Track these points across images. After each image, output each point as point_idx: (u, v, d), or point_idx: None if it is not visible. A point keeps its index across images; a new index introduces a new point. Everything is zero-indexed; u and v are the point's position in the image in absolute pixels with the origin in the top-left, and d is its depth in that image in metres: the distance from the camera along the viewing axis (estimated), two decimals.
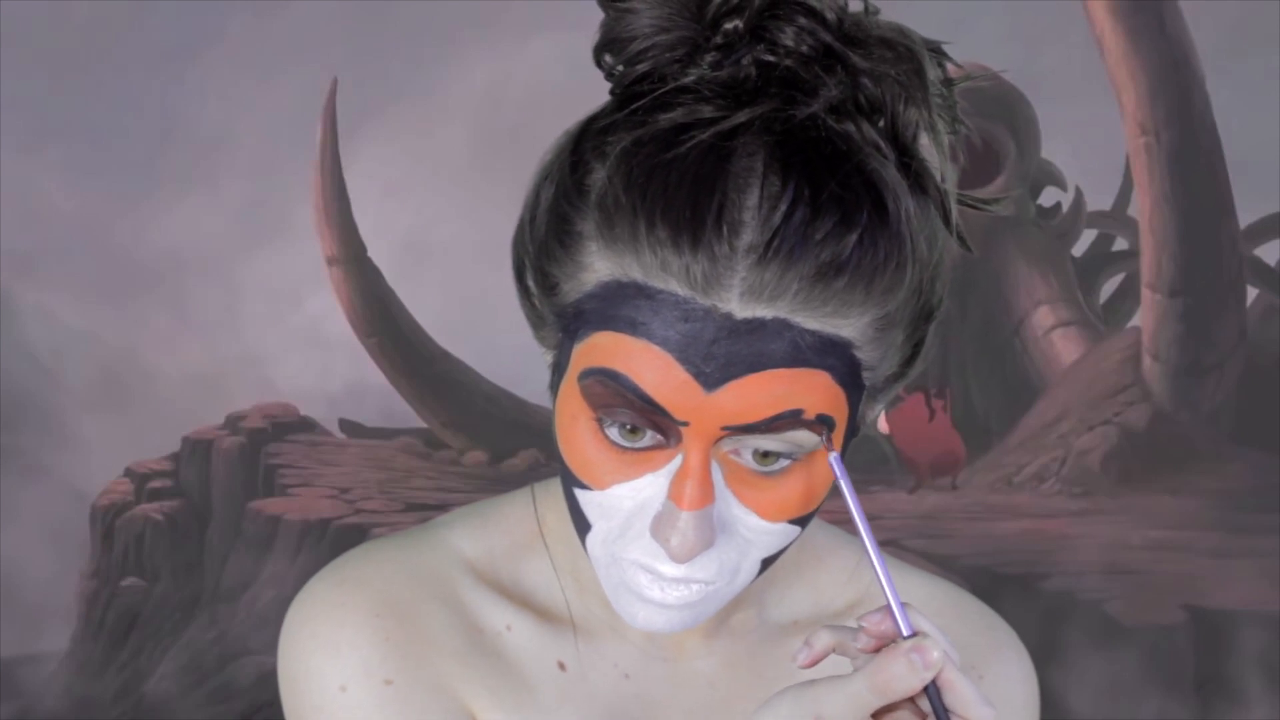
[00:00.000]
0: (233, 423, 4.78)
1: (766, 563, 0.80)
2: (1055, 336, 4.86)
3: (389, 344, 4.70)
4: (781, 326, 0.73)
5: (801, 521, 0.79)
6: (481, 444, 4.75)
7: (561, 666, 0.88)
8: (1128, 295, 4.95)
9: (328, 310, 4.69)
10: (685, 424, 0.75)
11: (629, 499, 0.78)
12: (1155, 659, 3.83)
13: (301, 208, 4.64)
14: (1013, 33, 4.23)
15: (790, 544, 0.80)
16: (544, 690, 0.88)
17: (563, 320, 0.79)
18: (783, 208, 0.73)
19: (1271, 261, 4.69)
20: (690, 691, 0.89)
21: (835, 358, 0.75)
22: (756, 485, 0.77)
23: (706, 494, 0.76)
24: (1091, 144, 4.69)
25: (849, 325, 0.75)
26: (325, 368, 4.79)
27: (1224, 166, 4.37)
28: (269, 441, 4.76)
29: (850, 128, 0.75)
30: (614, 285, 0.75)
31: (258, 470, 4.70)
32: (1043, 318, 4.89)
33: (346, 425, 4.94)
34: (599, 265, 0.76)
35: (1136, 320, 4.64)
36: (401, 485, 4.59)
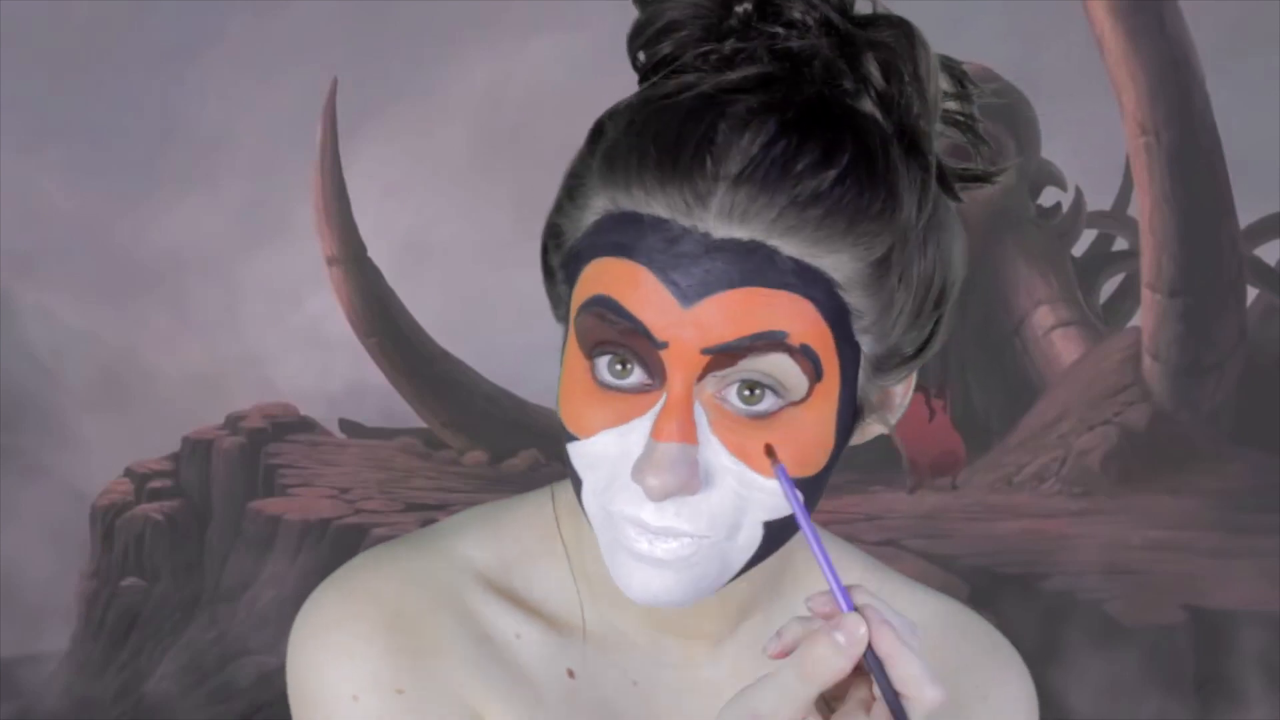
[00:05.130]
0: (233, 423, 4.78)
1: (771, 530, 0.79)
2: (1055, 336, 4.86)
3: (389, 344, 4.70)
4: (756, 247, 0.76)
5: (802, 485, 0.78)
6: (481, 444, 4.75)
7: (570, 674, 0.89)
8: (1128, 295, 4.96)
9: (328, 310, 4.70)
10: (665, 345, 0.76)
11: (614, 446, 0.78)
12: (1155, 659, 3.83)
13: (301, 208, 4.64)
14: (1012, 32, 4.24)
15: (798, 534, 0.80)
16: (552, 698, 0.88)
17: (566, 270, 0.81)
18: (763, 139, 0.76)
19: (1271, 261, 4.70)
20: (697, 700, 0.89)
21: (818, 290, 0.76)
22: (745, 433, 0.77)
23: (686, 431, 0.76)
24: (1091, 144, 4.70)
25: (830, 259, 0.76)
26: (325, 368, 4.80)
27: (1224, 166, 4.37)
28: (269, 441, 4.76)
29: (848, 91, 0.79)
30: (606, 218, 0.79)
31: (258, 470, 4.70)
32: (1043, 318, 4.89)
33: (346, 425, 4.94)
34: (596, 203, 0.79)
35: (1136, 320, 4.65)
36: (401, 485, 4.60)
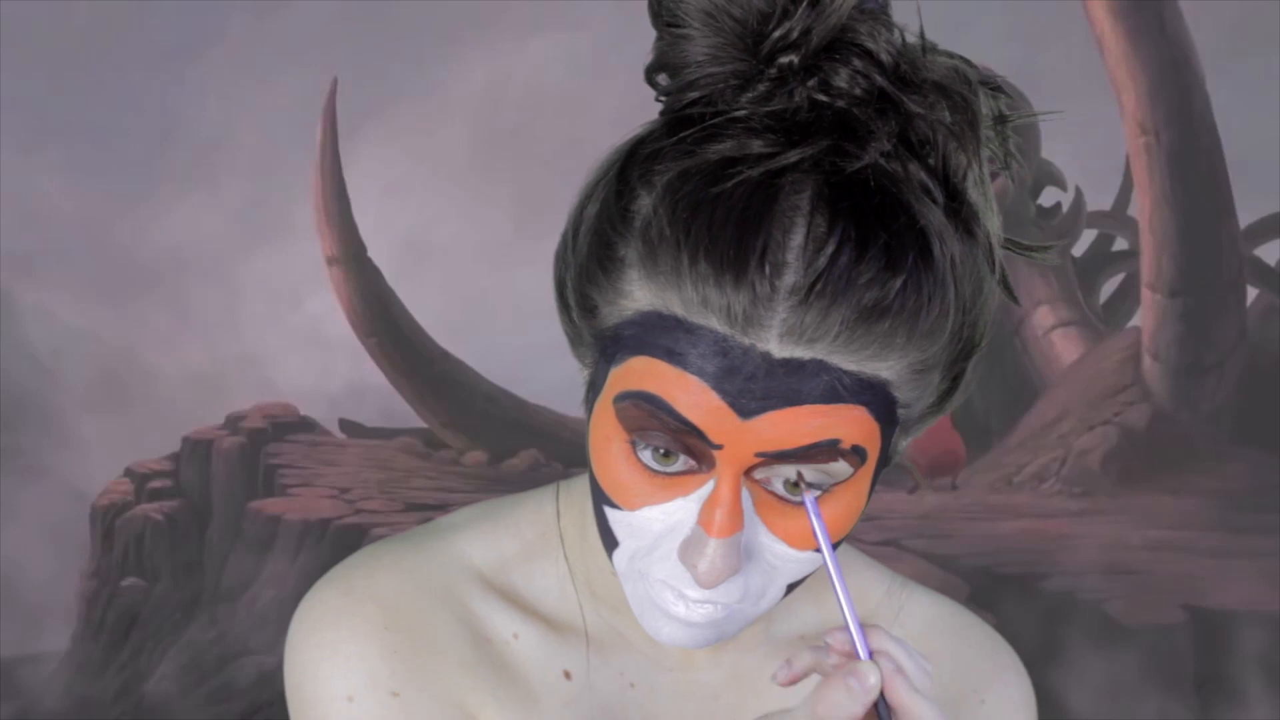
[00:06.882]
0: (233, 423, 4.78)
1: (791, 587, 0.81)
2: (1055, 336, 4.86)
3: (389, 344, 4.70)
4: (819, 368, 0.73)
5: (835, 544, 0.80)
6: (481, 444, 4.75)
7: (567, 675, 0.89)
8: (1128, 295, 4.95)
9: (328, 310, 4.69)
10: (720, 447, 0.75)
11: (659, 521, 0.78)
12: (1155, 659, 3.83)
13: (301, 208, 4.64)
14: (1012, 32, 4.23)
15: (815, 570, 0.81)
16: (548, 700, 0.88)
17: (600, 343, 0.79)
18: (828, 250, 0.72)
19: (1271, 261, 4.70)
20: (695, 703, 0.90)
21: (871, 395, 0.75)
22: (785, 513, 0.77)
23: (736, 522, 0.76)
24: (1091, 144, 4.69)
25: (888, 367, 0.75)
26: (325, 368, 4.79)
27: (1224, 166, 4.37)
28: (269, 441, 4.76)
29: (900, 168, 0.75)
30: (654, 316, 0.75)
31: (258, 470, 4.70)
32: (1043, 318, 4.89)
33: (346, 425, 4.94)
34: (639, 295, 0.76)
35: (1136, 320, 4.65)
36: (401, 485, 4.59)
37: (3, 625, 4.36)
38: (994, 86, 0.78)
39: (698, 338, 0.74)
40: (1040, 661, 3.75)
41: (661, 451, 0.76)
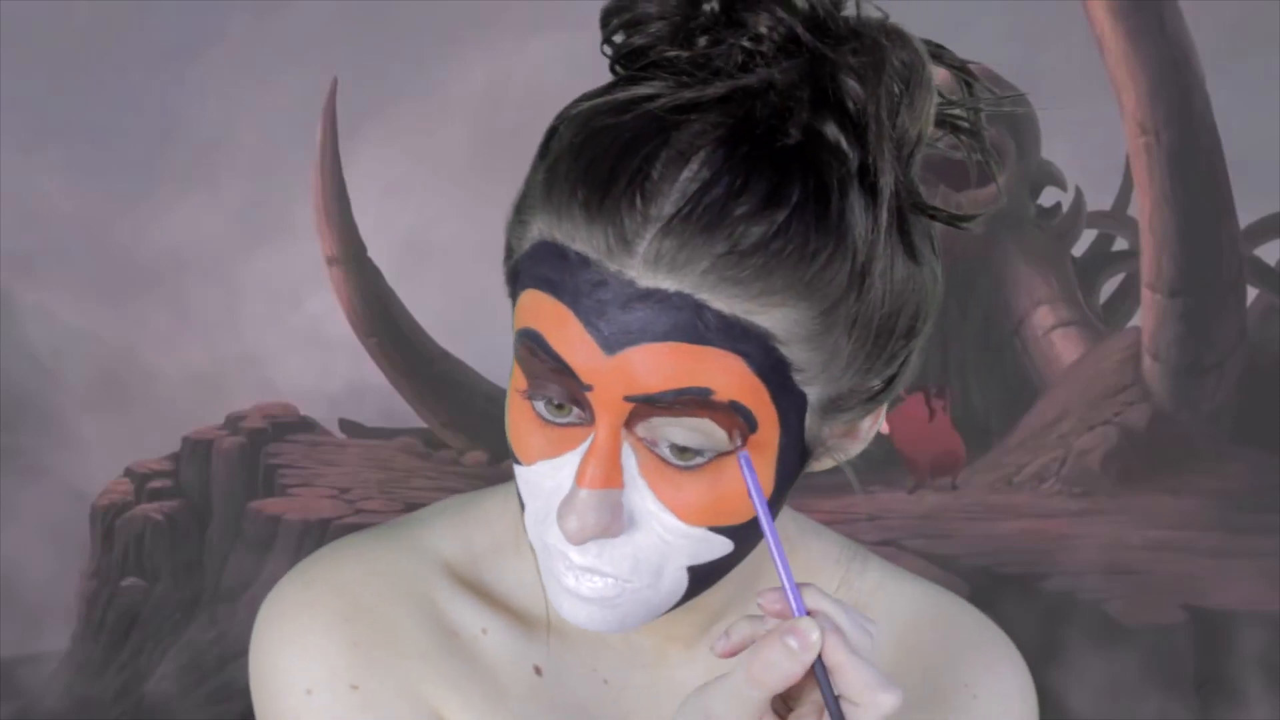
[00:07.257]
0: (233, 423, 4.78)
1: (697, 574, 0.77)
2: (1055, 336, 4.86)
3: (389, 344, 4.69)
4: (684, 301, 0.71)
5: (729, 533, 0.76)
6: (481, 444, 4.75)
7: (538, 671, 0.87)
8: (1128, 295, 4.95)
9: (328, 310, 4.69)
10: (590, 388, 0.73)
11: (549, 478, 0.76)
12: (1155, 659, 3.83)
13: (301, 208, 4.64)
14: (1012, 32, 4.23)
15: (725, 558, 0.77)
16: (518, 695, 0.86)
17: (510, 286, 0.79)
18: (704, 177, 0.71)
19: (1271, 261, 4.69)
20: (669, 700, 0.86)
21: (749, 345, 0.72)
22: (673, 480, 0.74)
23: (610, 476, 0.74)
24: (1091, 144, 4.69)
25: (766, 315, 0.72)
26: (325, 368, 4.79)
27: (1224, 166, 4.37)
28: (269, 441, 4.76)
29: (816, 125, 0.73)
30: (541, 246, 0.75)
31: (258, 470, 4.69)
32: (1043, 318, 4.88)
33: (346, 425, 4.93)
34: (535, 225, 0.76)
35: (1136, 320, 4.64)
36: (401, 485, 4.59)
37: (3, 625, 4.36)
38: (960, 67, 0.77)
39: (570, 264, 0.73)
40: (1040, 661, 3.74)
41: (555, 403, 0.75)
